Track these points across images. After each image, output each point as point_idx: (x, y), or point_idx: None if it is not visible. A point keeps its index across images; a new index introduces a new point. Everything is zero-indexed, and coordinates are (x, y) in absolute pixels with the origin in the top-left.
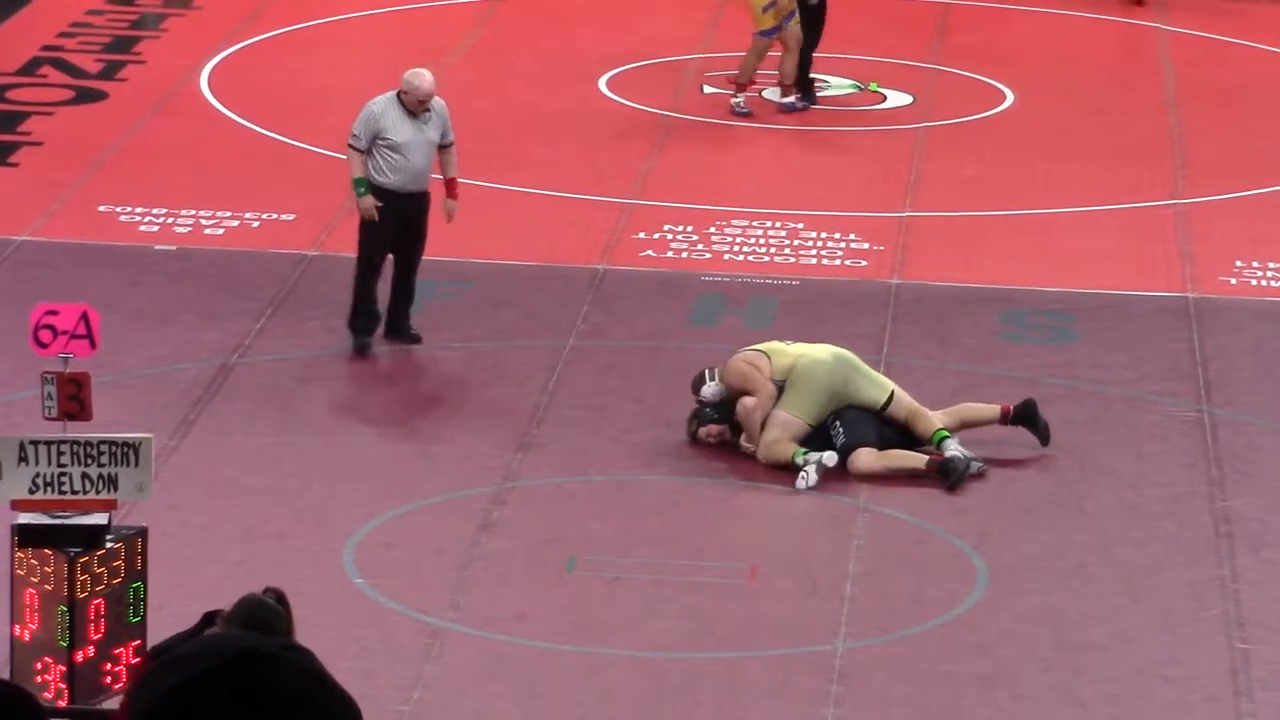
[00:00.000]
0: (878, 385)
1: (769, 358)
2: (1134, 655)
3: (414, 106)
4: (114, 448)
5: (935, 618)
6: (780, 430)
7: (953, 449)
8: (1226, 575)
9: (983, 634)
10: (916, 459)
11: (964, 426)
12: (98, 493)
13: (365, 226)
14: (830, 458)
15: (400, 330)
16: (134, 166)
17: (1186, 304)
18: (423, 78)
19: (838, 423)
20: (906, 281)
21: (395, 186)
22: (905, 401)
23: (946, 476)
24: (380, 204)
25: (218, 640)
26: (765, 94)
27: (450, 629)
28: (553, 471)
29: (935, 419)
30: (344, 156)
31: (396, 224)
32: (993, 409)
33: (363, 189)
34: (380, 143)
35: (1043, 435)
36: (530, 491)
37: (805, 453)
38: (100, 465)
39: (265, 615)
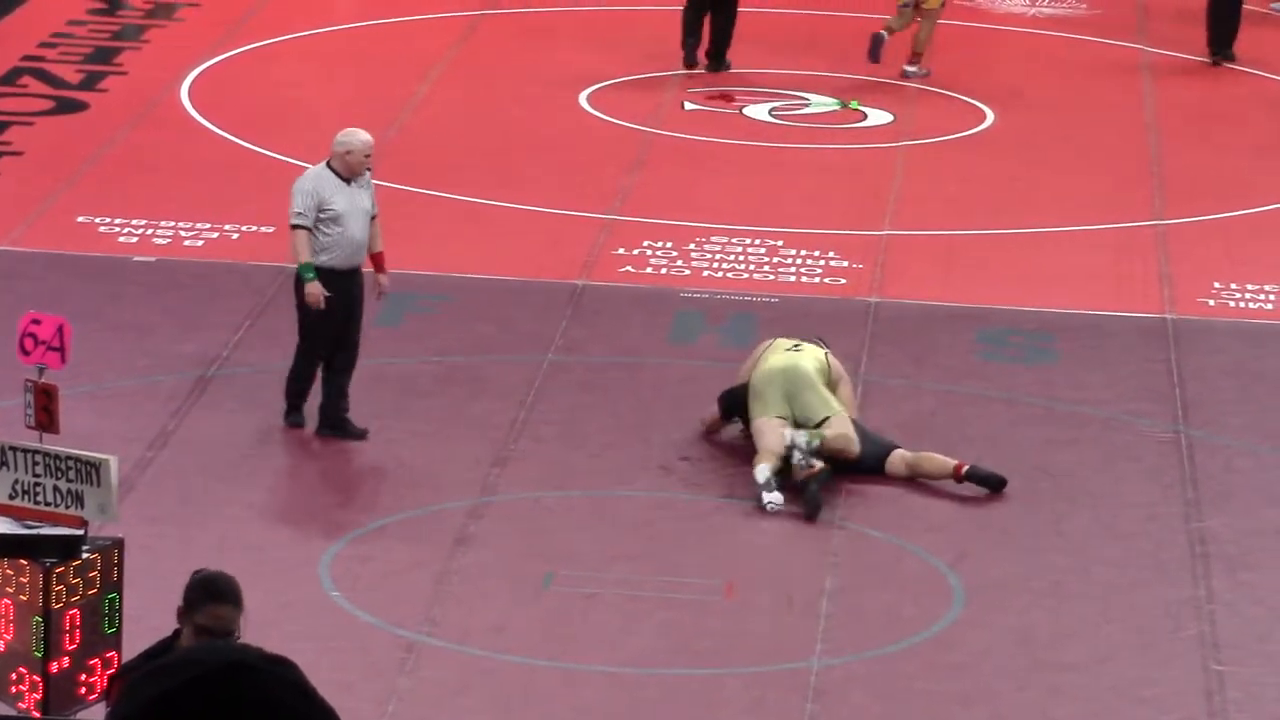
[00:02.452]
0: (820, 404)
1: (763, 355)
2: (1110, 675)
3: (355, 168)
4: (80, 465)
5: (911, 636)
6: (757, 437)
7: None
8: (1202, 596)
9: (959, 653)
10: (944, 463)
11: (918, 476)
12: (67, 507)
13: (308, 316)
14: (776, 503)
15: (343, 427)
16: (114, 177)
17: (1165, 325)
18: (361, 133)
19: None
20: (885, 300)
21: (338, 264)
22: (838, 429)
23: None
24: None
25: (202, 651)
26: (746, 110)
27: (426, 643)
28: (530, 486)
29: (853, 448)
30: None
31: (341, 309)
32: (948, 463)
33: (311, 273)
34: (322, 215)
35: (995, 486)
36: (507, 506)
37: (768, 481)
38: (69, 480)
39: (227, 584)
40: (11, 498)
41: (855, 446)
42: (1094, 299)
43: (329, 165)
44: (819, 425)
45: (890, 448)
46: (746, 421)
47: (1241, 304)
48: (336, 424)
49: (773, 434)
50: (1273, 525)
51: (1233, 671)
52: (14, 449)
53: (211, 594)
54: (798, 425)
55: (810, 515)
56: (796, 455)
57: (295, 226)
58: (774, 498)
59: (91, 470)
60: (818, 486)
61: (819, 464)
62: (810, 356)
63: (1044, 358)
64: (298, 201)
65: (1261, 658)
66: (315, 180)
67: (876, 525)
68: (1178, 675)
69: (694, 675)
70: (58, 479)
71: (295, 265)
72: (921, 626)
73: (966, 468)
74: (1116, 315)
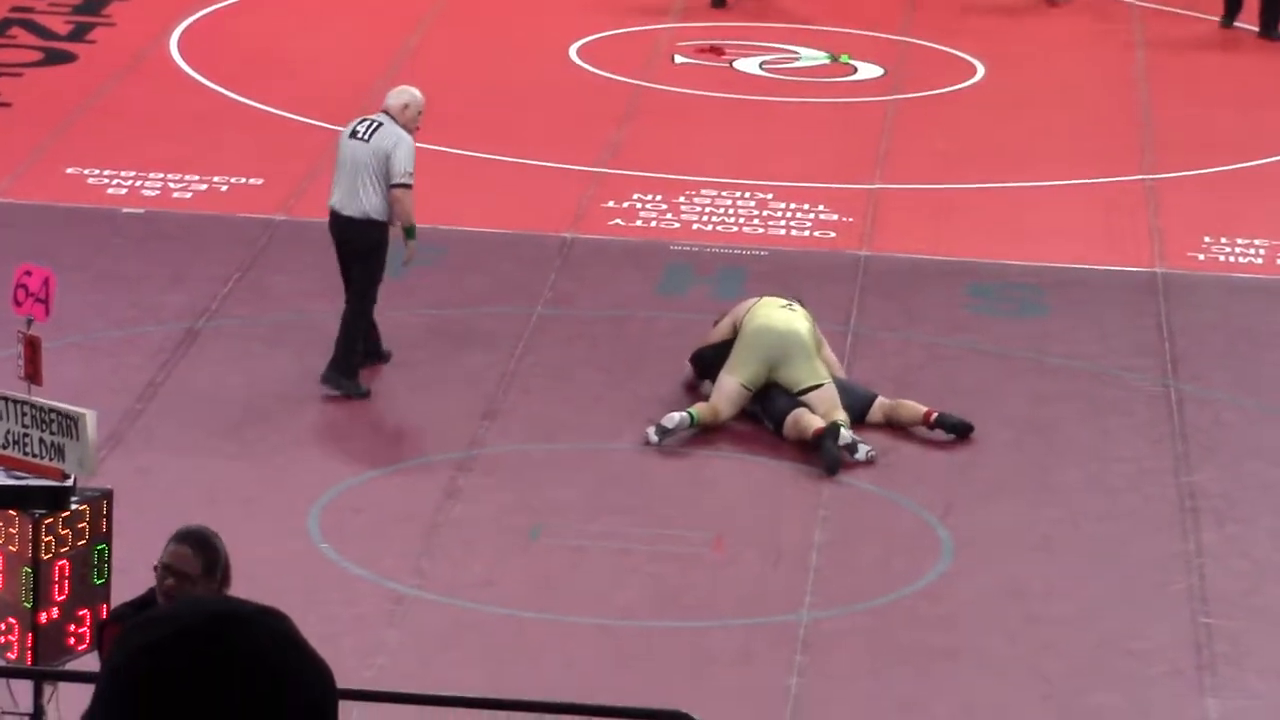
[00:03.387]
0: (809, 372)
1: (753, 310)
2: (1098, 629)
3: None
4: (61, 418)
5: (900, 589)
6: (716, 393)
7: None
8: (1191, 550)
9: (948, 606)
10: (915, 409)
11: (893, 423)
12: (50, 460)
13: (381, 266)
14: (653, 432)
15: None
16: (103, 129)
17: (1155, 279)
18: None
19: (757, 404)
20: (875, 253)
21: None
22: (827, 401)
23: (822, 447)
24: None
25: (193, 602)
26: (736, 64)
27: (415, 595)
28: (519, 439)
29: (839, 415)
30: (314, 123)
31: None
32: (919, 410)
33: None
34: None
35: (962, 432)
36: (496, 458)
37: (674, 427)
38: (51, 433)
39: (193, 530)
40: (3, 447)
41: (843, 415)
42: (1084, 253)
43: (405, 128)
44: (804, 393)
45: (871, 398)
46: (714, 375)
47: (1231, 258)
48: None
49: (726, 401)
50: (1261, 479)
51: (1221, 625)
52: (4, 398)
53: (176, 537)
54: (778, 388)
55: (831, 470)
56: (859, 449)
57: (409, 187)
58: (654, 436)
59: (71, 424)
60: (834, 441)
61: (796, 432)
62: (803, 318)
63: (1034, 311)
64: (411, 162)
65: (1249, 611)
66: (411, 140)
67: (866, 478)
68: (1166, 628)
69: (683, 628)
70: (43, 430)
71: (363, 218)
72: (910, 579)
73: (936, 414)
74: (1106, 269)
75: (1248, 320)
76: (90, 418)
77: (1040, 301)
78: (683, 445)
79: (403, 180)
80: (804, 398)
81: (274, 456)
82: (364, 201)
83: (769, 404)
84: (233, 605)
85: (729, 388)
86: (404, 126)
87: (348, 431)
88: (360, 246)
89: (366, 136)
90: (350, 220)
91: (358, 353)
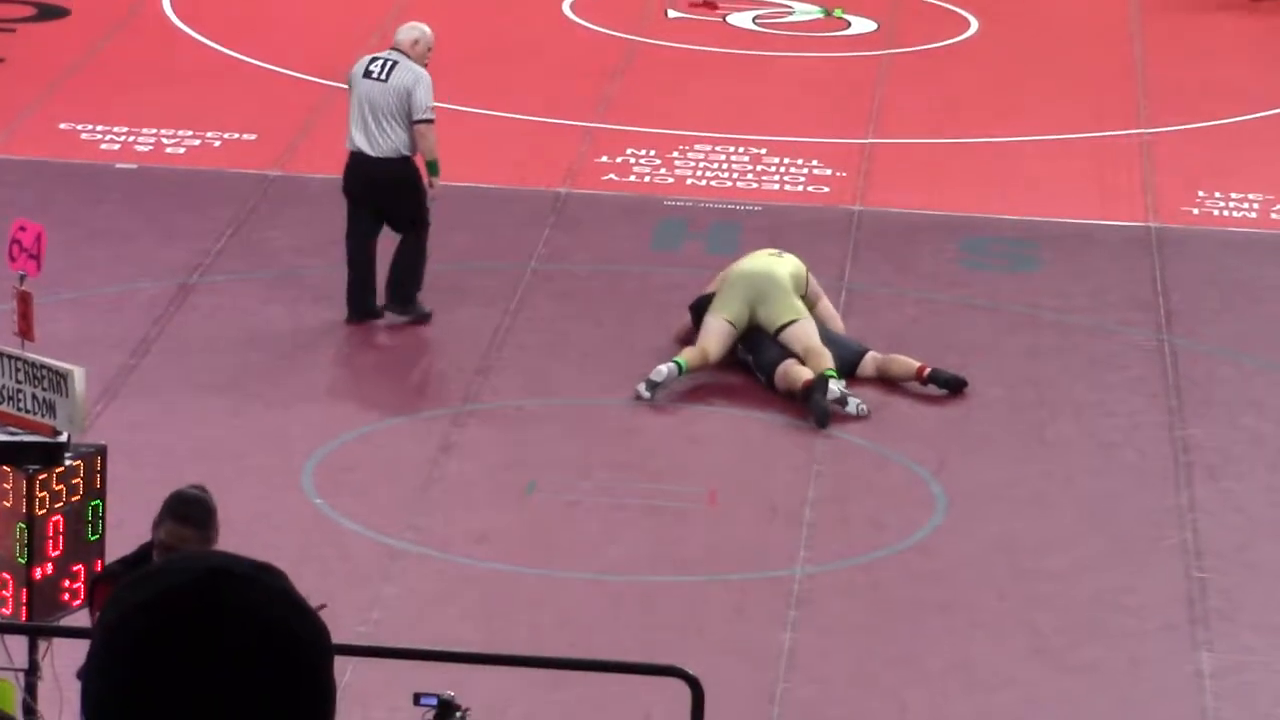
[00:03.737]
0: (785, 309)
1: (741, 258)
2: (1091, 583)
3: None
4: (51, 374)
5: (894, 544)
6: (702, 335)
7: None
8: (1184, 504)
9: (941, 561)
10: (908, 364)
11: (885, 377)
12: (41, 416)
13: (424, 196)
14: (644, 387)
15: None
16: (96, 85)
17: (1148, 233)
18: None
19: (749, 354)
20: (869, 208)
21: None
22: (804, 337)
23: (810, 400)
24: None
25: (188, 558)
26: (729, 18)
27: (409, 550)
28: (513, 394)
29: (827, 360)
30: (308, 78)
31: None
32: (912, 365)
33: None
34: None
35: (955, 388)
36: (490, 414)
37: (661, 381)
38: (43, 389)
39: (194, 506)
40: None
41: (825, 358)
42: (1078, 207)
43: (418, 63)
44: (781, 330)
45: (862, 351)
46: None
47: (1225, 212)
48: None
49: (713, 339)
50: (1254, 433)
51: (1214, 579)
52: (1, 354)
53: (176, 514)
54: (759, 329)
55: (821, 423)
56: (849, 402)
57: (430, 122)
58: (644, 391)
59: (60, 380)
60: (822, 395)
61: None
62: (789, 264)
63: (1027, 266)
64: (430, 96)
65: (1242, 565)
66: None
67: (859, 433)
68: (1159, 583)
69: (676, 583)
70: (35, 386)
71: (395, 156)
72: (904, 534)
73: (929, 370)
74: (1100, 224)
75: (1242, 275)
76: (79, 375)
77: (1034, 256)
78: (677, 401)
79: (426, 115)
80: (782, 336)
81: (268, 412)
82: (393, 140)
83: (759, 355)
84: (227, 561)
85: (714, 325)
86: (416, 61)
87: (342, 387)
88: (397, 185)
89: (383, 75)
90: (380, 161)
91: (420, 281)
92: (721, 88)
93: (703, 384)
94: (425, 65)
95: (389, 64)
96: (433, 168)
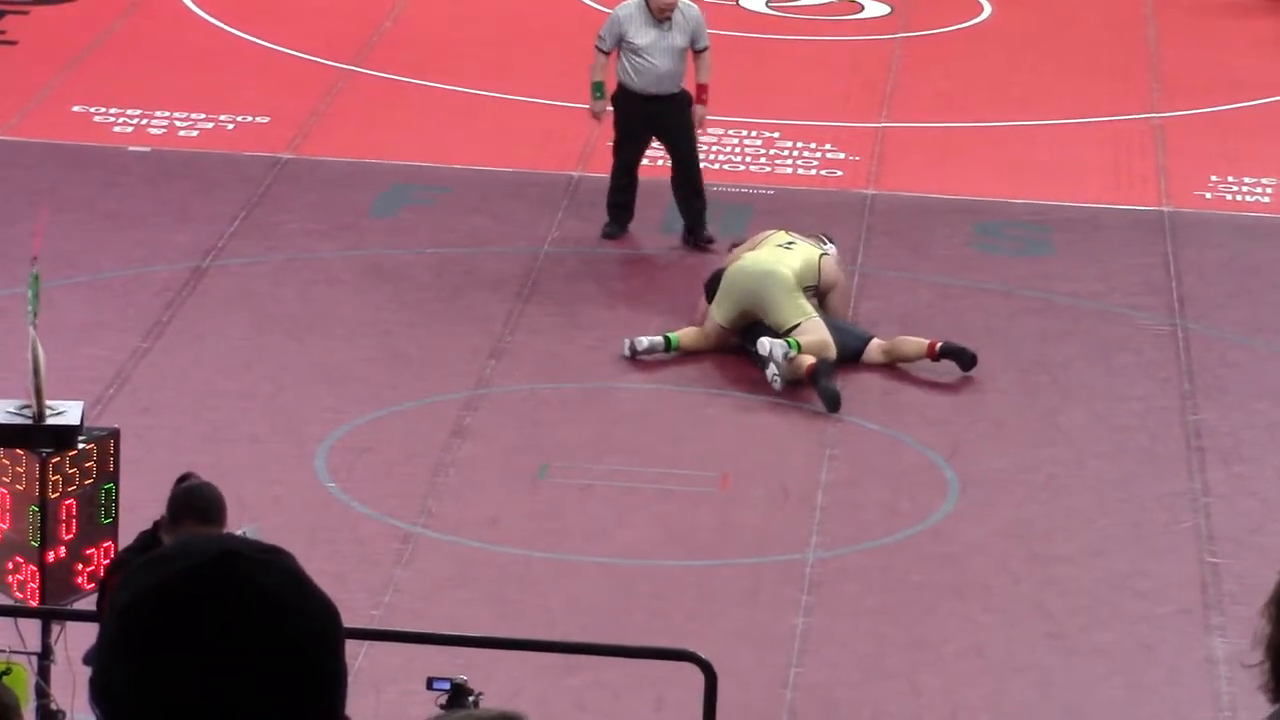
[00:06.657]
0: (791, 311)
1: (749, 244)
2: (1104, 568)
3: (657, 13)
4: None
5: (907, 528)
6: (707, 323)
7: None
8: (1198, 489)
9: (954, 545)
10: (918, 343)
11: (895, 360)
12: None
13: (617, 127)
14: (626, 346)
15: (693, 235)
16: (109, 67)
17: (1162, 217)
18: None
19: (751, 345)
20: (882, 192)
21: (640, 89)
22: (812, 336)
23: (816, 385)
24: (624, 109)
25: (197, 542)
26: (742, 1)
27: (422, 534)
28: (526, 378)
29: (831, 356)
30: (321, 61)
31: (642, 126)
32: (921, 344)
33: (599, 93)
34: (625, 46)
35: (968, 363)
36: (503, 398)
37: (645, 349)
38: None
39: (213, 502)
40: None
41: (831, 352)
42: (1091, 191)
43: (646, 1)
44: (790, 331)
45: (867, 339)
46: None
47: (1238, 197)
48: (688, 230)
49: (708, 336)
50: (1267, 418)
51: (1227, 564)
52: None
53: (200, 513)
54: (769, 331)
55: (831, 407)
56: (772, 369)
57: (596, 48)
58: (626, 350)
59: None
60: (829, 379)
61: (790, 371)
62: (797, 258)
63: (1040, 250)
64: (604, 28)
65: (1256, 550)
66: (627, 12)
67: (872, 418)
68: (1172, 568)
69: (688, 567)
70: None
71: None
72: (917, 519)
73: (940, 344)
74: (1113, 208)
75: (1255, 259)
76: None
77: (1047, 240)
78: (689, 385)
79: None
80: (789, 338)
81: (280, 395)
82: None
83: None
84: (239, 544)
85: (709, 325)
86: (650, 4)
87: (354, 370)
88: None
89: None
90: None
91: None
92: (735, 71)
93: (714, 368)
94: (654, 6)
95: None
96: (592, 89)
